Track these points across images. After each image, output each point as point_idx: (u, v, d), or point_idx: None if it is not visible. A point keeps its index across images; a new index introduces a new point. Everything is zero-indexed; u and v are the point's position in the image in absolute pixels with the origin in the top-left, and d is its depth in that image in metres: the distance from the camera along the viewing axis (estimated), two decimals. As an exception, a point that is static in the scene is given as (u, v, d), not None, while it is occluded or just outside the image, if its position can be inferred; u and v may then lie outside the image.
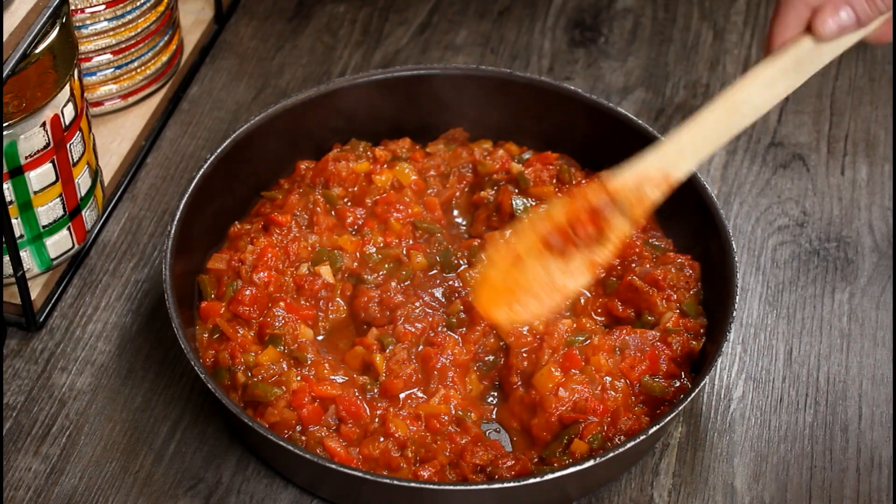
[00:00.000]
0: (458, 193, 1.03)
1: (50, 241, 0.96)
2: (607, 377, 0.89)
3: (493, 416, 0.91)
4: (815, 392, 0.96)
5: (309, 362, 0.89)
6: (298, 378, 0.88)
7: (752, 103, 0.83)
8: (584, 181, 1.02)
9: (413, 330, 0.92)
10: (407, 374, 0.89)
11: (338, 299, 0.95)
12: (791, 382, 0.97)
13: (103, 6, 1.04)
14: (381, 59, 1.21)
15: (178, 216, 0.92)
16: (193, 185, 0.94)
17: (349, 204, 1.00)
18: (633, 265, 0.96)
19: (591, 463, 0.81)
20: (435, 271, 0.96)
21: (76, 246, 0.99)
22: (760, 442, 0.93)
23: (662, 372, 0.90)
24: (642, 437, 0.83)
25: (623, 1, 1.28)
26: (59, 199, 0.94)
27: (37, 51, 0.86)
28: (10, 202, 0.91)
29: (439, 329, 0.92)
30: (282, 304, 0.92)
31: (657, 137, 1.00)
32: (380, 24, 1.24)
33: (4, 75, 0.83)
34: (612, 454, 0.82)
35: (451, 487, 0.83)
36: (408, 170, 1.01)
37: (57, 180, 0.93)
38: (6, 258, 0.91)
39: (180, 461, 0.90)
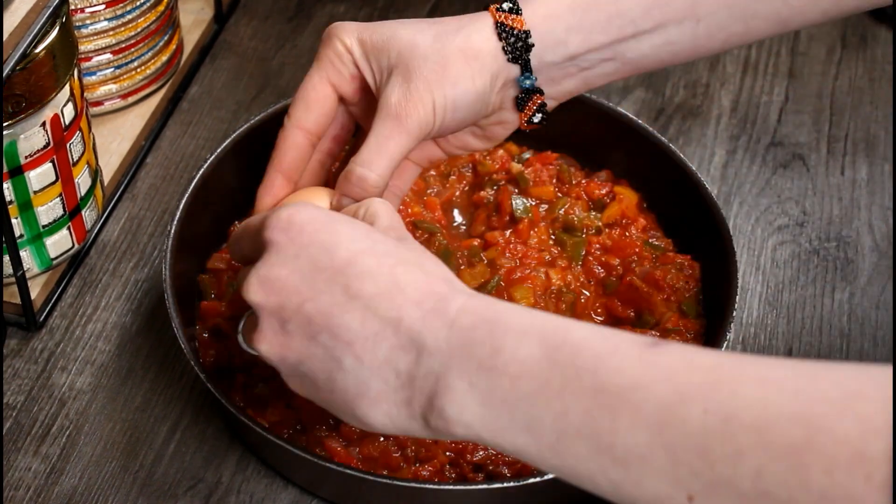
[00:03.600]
0: (458, 193, 1.03)
1: (50, 241, 0.96)
2: (607, 377, 0.89)
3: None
4: (814, 392, 0.96)
5: (309, 362, 0.89)
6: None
7: None
8: (583, 181, 1.02)
9: (413, 330, 0.91)
10: (407, 374, 0.89)
11: (338, 299, 0.95)
12: (791, 382, 0.97)
13: (103, 6, 1.04)
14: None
15: (178, 216, 0.92)
16: (193, 184, 0.94)
17: (349, 204, 1.00)
18: (633, 265, 0.96)
19: (590, 463, 0.81)
20: (435, 271, 0.96)
21: (76, 246, 0.99)
22: (760, 442, 0.93)
23: (662, 372, 0.90)
24: (642, 437, 0.83)
25: (623, 1, 1.28)
26: (58, 199, 0.94)
27: (36, 50, 0.86)
28: (10, 202, 0.91)
29: (439, 329, 0.92)
30: (282, 303, 0.92)
31: (657, 137, 1.00)
32: (380, 23, 1.24)
33: (4, 75, 0.83)
34: (611, 454, 0.82)
35: (451, 487, 0.83)
36: (408, 170, 1.01)
37: (57, 180, 0.93)
38: (6, 258, 0.91)
39: (180, 461, 0.90)
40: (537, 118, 0.86)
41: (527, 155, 1.03)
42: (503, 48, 0.82)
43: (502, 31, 0.82)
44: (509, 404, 0.62)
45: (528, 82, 0.83)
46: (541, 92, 0.84)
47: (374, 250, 0.69)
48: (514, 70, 0.83)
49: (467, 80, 0.81)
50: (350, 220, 0.72)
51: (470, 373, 0.64)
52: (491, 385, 0.63)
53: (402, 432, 0.68)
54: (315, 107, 0.84)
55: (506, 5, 0.82)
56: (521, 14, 0.82)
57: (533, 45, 0.82)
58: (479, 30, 0.82)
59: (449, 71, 0.80)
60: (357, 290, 0.67)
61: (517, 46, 0.82)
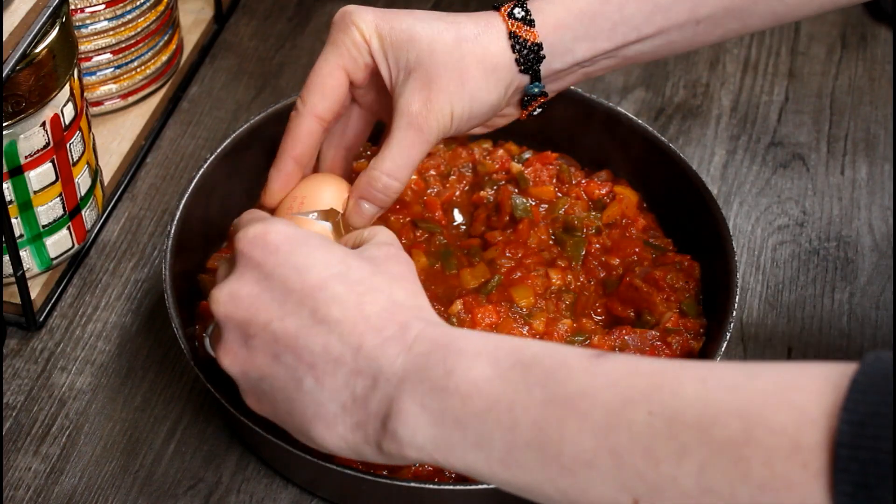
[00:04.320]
0: (458, 193, 1.03)
1: (50, 241, 0.96)
2: (607, 377, 0.89)
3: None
4: (814, 392, 0.96)
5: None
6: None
7: None
8: (583, 181, 1.02)
9: (413, 330, 0.91)
10: (407, 374, 0.89)
11: (338, 299, 0.95)
12: (791, 382, 0.97)
13: (103, 6, 1.04)
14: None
15: (178, 216, 0.92)
16: (193, 184, 0.94)
17: (349, 204, 1.00)
18: (633, 265, 0.96)
19: (590, 463, 0.81)
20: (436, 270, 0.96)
21: (76, 245, 0.99)
22: (760, 442, 0.93)
23: (662, 372, 0.90)
24: (642, 437, 0.83)
25: (623, 1, 1.28)
26: (58, 199, 0.94)
27: (37, 50, 0.86)
28: (10, 202, 0.91)
29: (439, 329, 0.92)
30: (282, 303, 0.92)
31: (657, 137, 1.00)
32: (380, 23, 1.24)
33: (4, 75, 0.83)
34: (611, 454, 0.82)
35: (451, 487, 0.83)
36: (408, 169, 1.01)
37: (57, 180, 0.93)
38: (6, 258, 0.91)
39: (180, 461, 0.90)
40: (537, 112, 0.89)
41: (527, 155, 1.03)
42: (516, 59, 0.84)
43: (516, 42, 0.83)
44: (460, 423, 0.64)
45: (536, 90, 0.86)
46: (545, 95, 0.87)
47: (345, 277, 0.70)
48: (525, 79, 0.85)
49: (484, 92, 0.83)
50: (326, 243, 0.73)
51: (423, 395, 0.65)
52: (442, 406, 0.64)
53: (356, 456, 0.69)
54: (330, 94, 0.85)
55: (517, 11, 0.84)
56: (533, 26, 0.83)
57: (544, 57, 0.84)
58: (495, 40, 0.83)
59: (468, 83, 0.82)
60: (324, 315, 0.68)
61: (529, 58, 0.84)
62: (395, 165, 0.82)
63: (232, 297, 0.71)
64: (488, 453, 0.63)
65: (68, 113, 0.92)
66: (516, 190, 1.00)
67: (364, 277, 0.70)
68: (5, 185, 0.89)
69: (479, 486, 0.82)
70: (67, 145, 0.93)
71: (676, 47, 0.86)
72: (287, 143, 0.86)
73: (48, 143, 0.90)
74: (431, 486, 0.82)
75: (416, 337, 0.67)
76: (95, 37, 1.05)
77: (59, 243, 0.97)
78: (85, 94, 0.96)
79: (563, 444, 0.60)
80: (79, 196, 0.97)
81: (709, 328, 0.93)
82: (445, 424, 0.64)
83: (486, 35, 0.84)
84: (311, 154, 0.86)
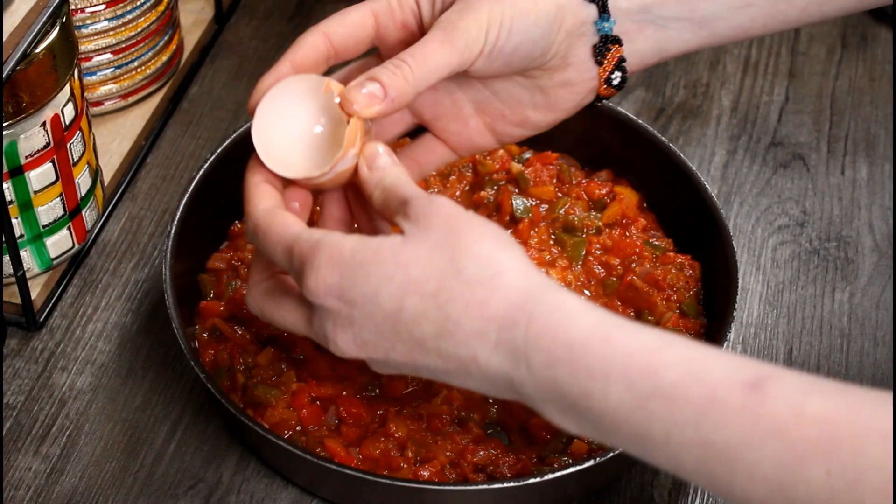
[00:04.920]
0: (458, 193, 1.03)
1: (50, 241, 0.96)
2: (607, 377, 0.88)
3: (494, 415, 0.91)
4: (815, 392, 0.96)
5: (309, 362, 0.89)
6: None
7: None
8: (583, 181, 1.02)
9: (413, 330, 0.91)
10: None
11: (338, 299, 0.95)
12: (791, 382, 0.97)
13: (103, 6, 1.04)
14: (380, 59, 1.20)
15: (178, 216, 0.92)
16: (193, 184, 0.94)
17: (349, 204, 1.00)
18: (633, 265, 0.96)
19: (591, 463, 0.81)
20: (435, 271, 0.96)
21: (76, 246, 0.99)
22: (760, 442, 0.93)
23: (662, 372, 0.90)
24: (642, 437, 0.83)
25: (623, 1, 1.28)
26: (59, 199, 0.94)
27: (37, 50, 0.86)
28: (10, 202, 0.91)
29: (439, 329, 0.92)
30: (282, 303, 0.92)
31: (657, 137, 1.00)
32: (380, 23, 1.24)
33: (4, 75, 0.83)
34: (612, 454, 0.82)
35: (451, 487, 0.83)
36: (408, 169, 1.01)
37: (57, 180, 0.93)
38: (6, 258, 0.91)
39: (180, 461, 0.90)
40: (616, 79, 0.79)
41: (527, 155, 1.03)
42: None
43: None
44: (613, 439, 0.63)
45: (606, 25, 0.76)
46: (620, 43, 0.77)
47: (412, 285, 0.67)
48: (590, 12, 0.77)
49: (529, 1, 0.74)
50: (374, 250, 0.68)
51: (564, 409, 0.64)
52: (591, 423, 0.64)
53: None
54: (349, 24, 0.77)
55: None
56: None
57: None
58: None
59: None
60: (420, 336, 0.67)
61: None
62: (409, 71, 0.73)
63: (355, 343, 0.70)
64: (649, 459, 0.62)
65: (68, 113, 0.92)
66: (516, 190, 1.00)
67: (429, 276, 0.67)
68: (5, 185, 0.89)
69: (480, 487, 0.82)
70: (68, 145, 0.93)
71: (756, 15, 0.78)
72: (287, 51, 0.77)
73: (48, 143, 0.90)
74: (431, 487, 0.82)
75: (528, 346, 0.64)
76: (95, 37, 1.05)
77: (60, 243, 0.97)
78: (85, 94, 0.96)
79: (733, 488, 0.58)
80: (79, 196, 0.97)
81: (709, 328, 0.93)
82: (597, 433, 0.64)
83: None
84: (309, 65, 0.77)
